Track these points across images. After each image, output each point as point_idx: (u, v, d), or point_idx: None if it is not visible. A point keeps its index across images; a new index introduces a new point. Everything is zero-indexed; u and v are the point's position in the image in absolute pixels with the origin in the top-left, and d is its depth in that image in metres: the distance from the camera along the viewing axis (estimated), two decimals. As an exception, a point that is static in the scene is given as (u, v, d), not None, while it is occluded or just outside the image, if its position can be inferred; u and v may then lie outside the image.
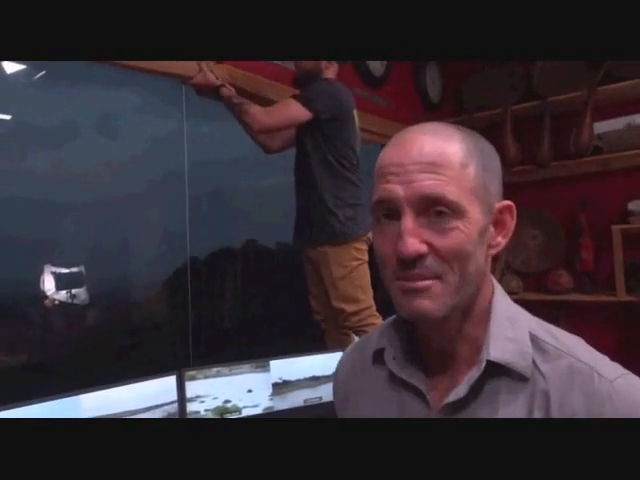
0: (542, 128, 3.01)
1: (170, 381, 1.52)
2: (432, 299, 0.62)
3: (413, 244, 0.60)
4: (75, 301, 2.01)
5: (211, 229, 2.17)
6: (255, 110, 1.72)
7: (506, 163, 3.15)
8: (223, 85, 1.71)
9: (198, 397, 1.55)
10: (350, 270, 1.85)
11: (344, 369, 0.87)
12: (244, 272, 2.31)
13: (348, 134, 1.86)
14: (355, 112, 1.93)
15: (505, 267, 3.23)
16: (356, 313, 1.84)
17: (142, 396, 1.45)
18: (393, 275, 0.64)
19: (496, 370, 0.63)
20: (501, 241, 0.66)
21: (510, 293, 2.64)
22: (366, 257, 1.90)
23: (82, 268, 2.01)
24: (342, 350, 1.82)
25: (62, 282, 1.95)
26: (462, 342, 0.67)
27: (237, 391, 1.60)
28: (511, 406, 0.62)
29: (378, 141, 2.82)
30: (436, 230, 0.61)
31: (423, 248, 0.60)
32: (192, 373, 1.56)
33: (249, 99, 1.77)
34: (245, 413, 1.60)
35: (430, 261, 0.61)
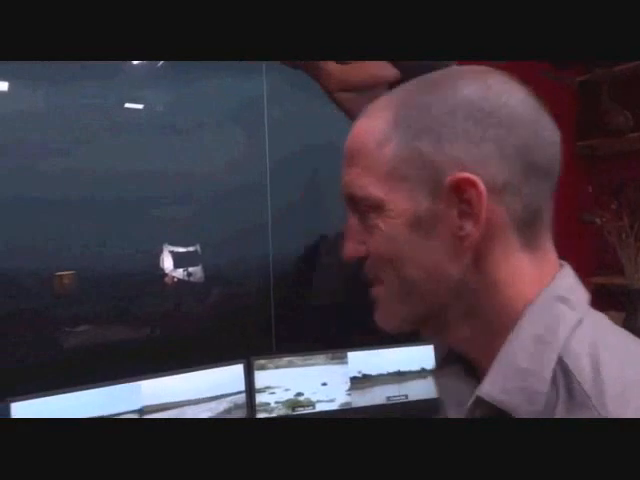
0: None
1: (238, 370, 1.42)
2: (381, 309, 0.51)
3: (347, 246, 0.51)
4: (191, 279, 2.03)
5: (297, 216, 2.05)
6: (331, 67, 1.53)
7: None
8: None
9: (268, 388, 1.44)
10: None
11: None
12: (329, 257, 2.16)
13: None
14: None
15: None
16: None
17: (207, 385, 1.37)
18: None
19: (495, 408, 0.44)
20: (470, 230, 0.44)
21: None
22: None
23: (198, 247, 2.02)
24: (433, 342, 1.61)
25: (179, 260, 1.98)
26: (486, 359, 0.47)
27: (311, 384, 1.46)
28: None
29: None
30: (365, 229, 0.49)
31: (357, 251, 0.50)
32: (262, 362, 1.45)
33: None
34: (319, 408, 1.46)
35: (368, 264, 0.50)
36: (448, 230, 0.45)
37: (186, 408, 1.33)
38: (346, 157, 0.50)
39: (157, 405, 1.29)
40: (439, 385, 0.56)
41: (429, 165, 0.45)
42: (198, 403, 1.35)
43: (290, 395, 1.45)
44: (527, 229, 0.46)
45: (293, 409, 1.44)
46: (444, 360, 0.55)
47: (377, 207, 0.47)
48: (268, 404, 1.43)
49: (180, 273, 2.02)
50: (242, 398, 1.41)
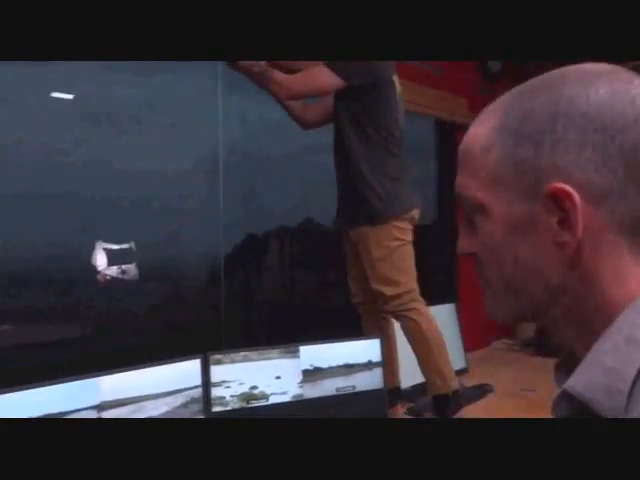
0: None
1: (195, 365, 1.45)
2: (487, 305, 0.56)
3: (460, 243, 0.56)
4: (125, 277, 2.01)
5: (247, 210, 2.09)
6: (280, 77, 1.61)
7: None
8: None
9: (224, 382, 1.48)
10: (390, 251, 1.71)
11: None
12: (279, 255, 2.22)
13: (388, 103, 1.71)
14: (396, 79, 1.77)
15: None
16: (396, 297, 1.71)
17: (164, 380, 1.39)
18: None
19: (578, 402, 0.46)
20: (568, 238, 0.46)
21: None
22: (409, 237, 1.76)
23: (132, 244, 2.00)
24: (379, 336, 1.71)
25: (113, 258, 1.95)
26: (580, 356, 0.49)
27: (265, 377, 1.52)
28: None
29: (429, 113, 2.64)
30: (472, 229, 0.54)
31: (466, 248, 0.55)
32: (218, 357, 1.48)
33: (275, 67, 1.65)
34: (273, 400, 1.52)
35: (475, 262, 0.55)
36: (547, 236, 0.47)
37: (144, 403, 1.34)
38: (458, 161, 0.54)
39: (115, 401, 1.30)
40: (555, 384, 0.56)
41: (529, 172, 0.47)
42: (156, 398, 1.37)
43: (245, 388, 1.49)
44: (637, 234, 0.46)
45: (247, 402, 1.49)
46: (560, 361, 0.56)
47: (480, 209, 0.51)
48: (223, 398, 1.47)
49: (115, 271, 2.01)
50: (198, 392, 1.44)
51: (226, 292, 1.88)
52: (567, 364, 0.53)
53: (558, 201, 0.46)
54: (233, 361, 1.50)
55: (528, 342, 2.84)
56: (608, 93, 0.45)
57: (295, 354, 1.56)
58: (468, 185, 0.52)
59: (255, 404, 1.50)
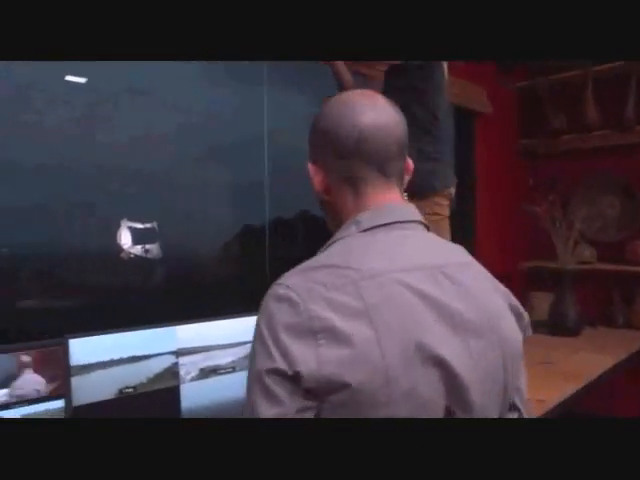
0: (627, 90, 2.87)
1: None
2: None
3: None
4: (148, 255, 2.11)
5: (289, 191, 2.22)
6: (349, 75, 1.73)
7: (586, 127, 3.04)
8: None
9: (282, 338, 1.60)
10: (429, 224, 1.83)
11: None
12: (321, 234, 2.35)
13: (436, 84, 1.83)
14: (445, 64, 1.89)
15: (579, 236, 3.14)
16: (435, 266, 1.83)
17: (232, 332, 1.51)
18: None
19: None
20: (321, 183, 0.90)
21: (583, 262, 2.58)
22: (446, 212, 1.88)
23: (155, 225, 2.11)
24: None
25: (137, 237, 2.05)
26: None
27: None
28: None
29: (455, 101, 2.77)
30: None
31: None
32: (276, 315, 1.61)
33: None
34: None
35: None
36: (321, 180, 0.88)
37: (214, 352, 1.47)
38: None
39: (190, 348, 1.42)
40: None
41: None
42: (224, 348, 1.49)
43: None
44: (352, 186, 0.85)
45: (303, 357, 1.62)
46: None
47: None
48: (281, 352, 1.60)
49: (139, 250, 2.11)
50: (260, 346, 1.57)
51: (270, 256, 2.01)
52: None
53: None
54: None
55: (542, 323, 2.98)
56: (328, 112, 0.86)
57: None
58: None
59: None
